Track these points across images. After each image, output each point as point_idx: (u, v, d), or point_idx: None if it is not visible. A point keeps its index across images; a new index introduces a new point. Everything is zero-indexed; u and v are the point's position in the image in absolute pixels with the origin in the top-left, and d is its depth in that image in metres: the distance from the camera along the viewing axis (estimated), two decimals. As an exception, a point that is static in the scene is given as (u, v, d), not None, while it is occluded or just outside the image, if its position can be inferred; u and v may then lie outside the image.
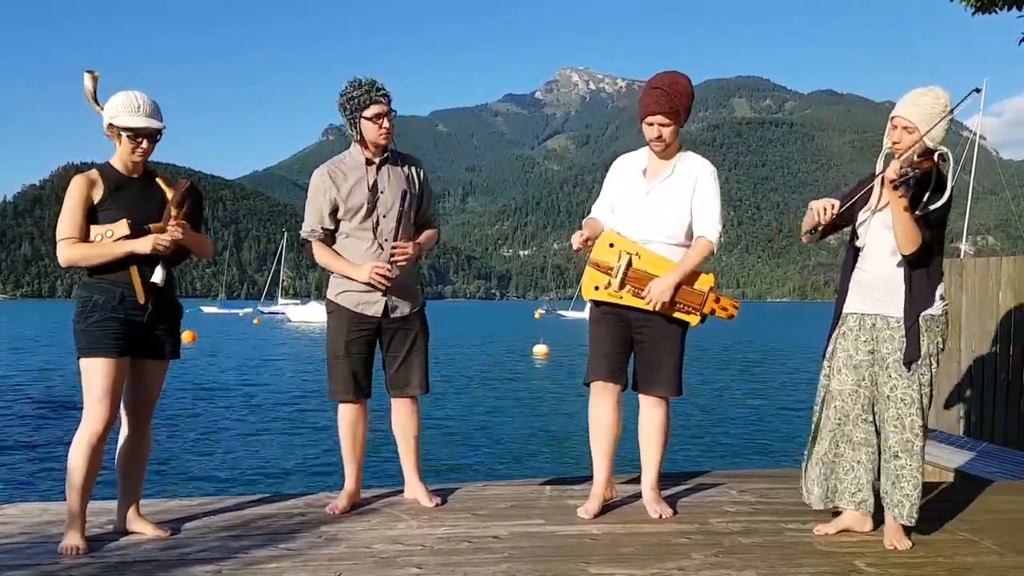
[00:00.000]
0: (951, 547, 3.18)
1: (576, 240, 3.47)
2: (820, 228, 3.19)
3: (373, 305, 3.60)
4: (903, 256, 3.08)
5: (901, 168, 2.93)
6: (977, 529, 3.42)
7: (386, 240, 3.58)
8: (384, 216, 3.58)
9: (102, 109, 3.10)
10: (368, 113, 3.50)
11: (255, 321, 66.47)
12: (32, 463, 10.04)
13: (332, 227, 3.62)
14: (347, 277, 3.59)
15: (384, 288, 3.56)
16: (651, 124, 3.45)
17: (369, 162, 3.60)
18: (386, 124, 3.52)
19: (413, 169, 3.71)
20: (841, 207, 3.15)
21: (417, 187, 3.69)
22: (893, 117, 3.16)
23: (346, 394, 3.61)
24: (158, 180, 3.22)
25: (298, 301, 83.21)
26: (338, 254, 3.62)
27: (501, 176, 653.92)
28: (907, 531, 3.21)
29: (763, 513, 3.63)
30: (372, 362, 3.69)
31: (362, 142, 3.58)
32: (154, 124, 3.07)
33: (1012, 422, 5.44)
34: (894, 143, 3.13)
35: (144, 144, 3.09)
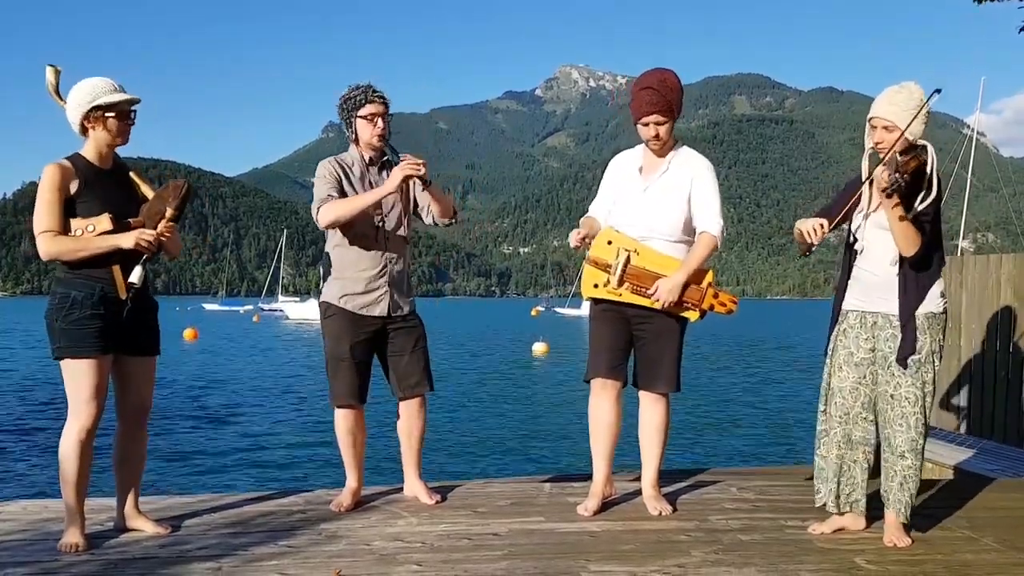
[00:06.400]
0: (951, 544, 3.18)
1: (574, 238, 3.46)
2: (813, 246, 3.16)
3: (378, 305, 3.57)
4: (905, 257, 3.07)
5: (890, 176, 2.91)
6: (977, 526, 3.42)
7: (387, 240, 3.58)
8: (387, 216, 3.59)
9: (64, 102, 3.04)
10: (363, 112, 3.52)
11: (254, 318, 66.47)
12: (32, 460, 10.04)
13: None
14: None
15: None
16: (647, 124, 3.44)
17: (371, 163, 3.62)
18: (380, 124, 3.53)
19: None
20: (831, 222, 3.14)
21: (414, 189, 3.69)
22: (872, 118, 3.14)
23: (351, 398, 3.55)
24: (131, 175, 3.17)
25: (298, 298, 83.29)
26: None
27: (501, 173, 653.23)
28: (907, 528, 3.21)
29: (763, 510, 3.63)
30: (371, 367, 3.65)
31: (357, 142, 3.60)
32: (134, 96, 3.04)
33: (1012, 419, 5.44)
34: (876, 143, 3.13)
35: (132, 119, 3.06)
